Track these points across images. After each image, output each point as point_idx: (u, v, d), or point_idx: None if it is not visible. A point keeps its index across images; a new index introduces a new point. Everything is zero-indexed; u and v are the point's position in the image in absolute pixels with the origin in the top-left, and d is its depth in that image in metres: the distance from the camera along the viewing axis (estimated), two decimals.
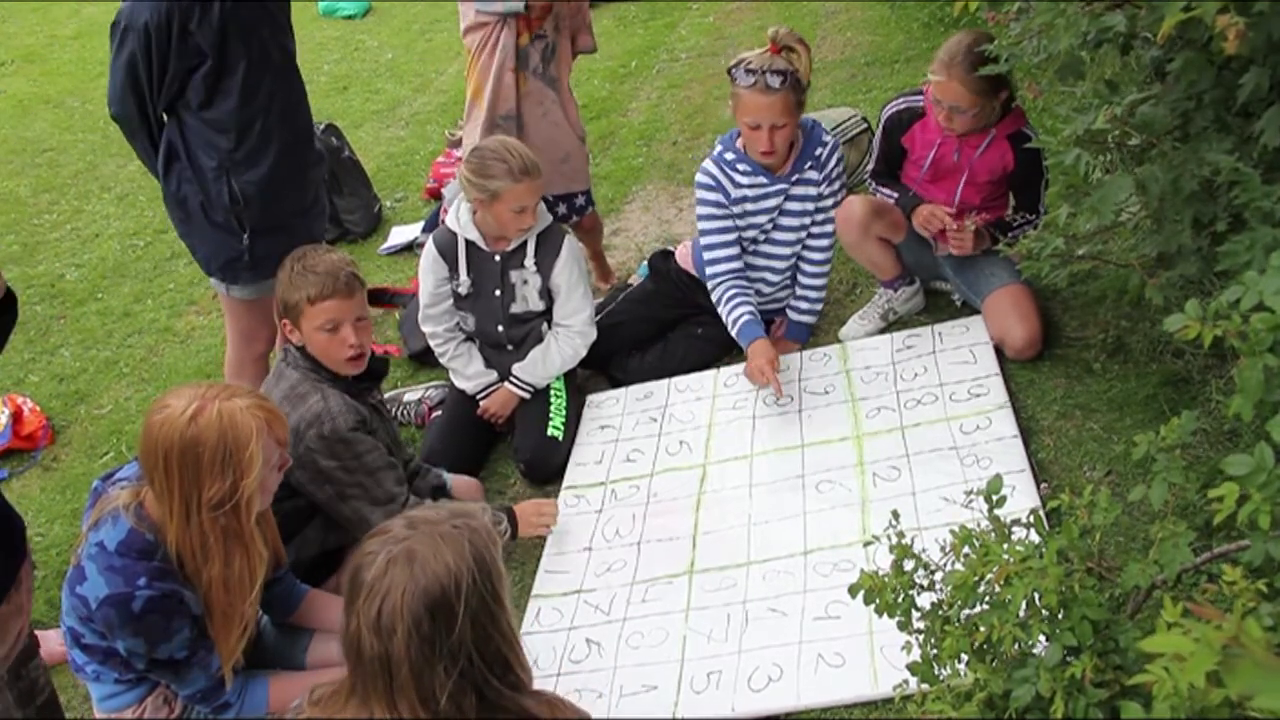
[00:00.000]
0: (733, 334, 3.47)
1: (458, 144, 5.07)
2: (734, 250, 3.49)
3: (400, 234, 4.97)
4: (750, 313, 3.44)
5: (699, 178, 3.47)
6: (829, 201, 3.49)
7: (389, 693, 1.61)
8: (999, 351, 3.31)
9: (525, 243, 3.42)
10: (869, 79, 5.62)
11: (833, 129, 4.49)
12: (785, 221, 3.50)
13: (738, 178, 3.42)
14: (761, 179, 3.41)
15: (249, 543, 2.24)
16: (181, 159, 3.04)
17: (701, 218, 3.49)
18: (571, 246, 3.47)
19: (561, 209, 3.93)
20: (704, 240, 3.50)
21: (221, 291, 3.30)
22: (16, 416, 3.97)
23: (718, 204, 3.44)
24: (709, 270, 3.51)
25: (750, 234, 3.53)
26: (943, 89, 3.14)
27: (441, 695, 1.59)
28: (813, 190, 3.46)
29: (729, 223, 3.46)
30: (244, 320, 3.35)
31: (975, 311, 3.50)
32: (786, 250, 3.57)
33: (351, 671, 1.66)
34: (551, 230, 3.47)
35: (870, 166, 3.60)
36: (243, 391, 2.23)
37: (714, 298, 3.51)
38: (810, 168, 3.43)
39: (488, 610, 1.64)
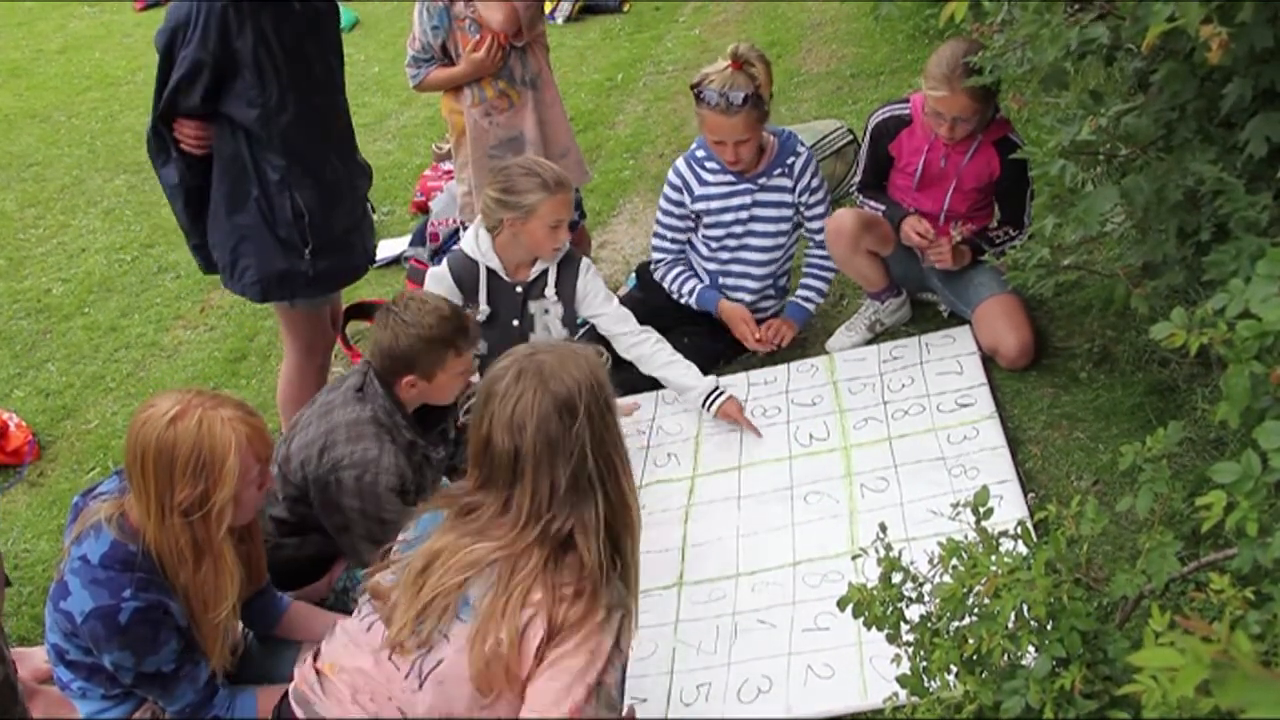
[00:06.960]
0: (691, 304, 3.68)
1: (445, 157, 5.06)
2: (680, 240, 3.72)
3: (388, 247, 4.95)
4: (701, 281, 3.70)
5: (669, 174, 3.64)
6: (820, 210, 3.57)
7: (510, 485, 1.85)
8: (986, 361, 3.32)
9: (546, 272, 3.35)
10: (855, 91, 5.64)
11: (818, 141, 4.50)
12: (759, 227, 3.58)
13: (705, 175, 3.56)
14: (728, 177, 3.53)
15: (217, 556, 2.22)
16: (249, 173, 2.95)
17: (661, 210, 3.69)
18: (586, 263, 3.43)
19: None
20: (655, 229, 3.74)
21: (284, 307, 3.22)
22: (2, 432, 3.94)
23: (678, 203, 3.62)
24: (654, 254, 3.76)
25: (717, 233, 3.62)
26: (947, 103, 3.10)
27: (560, 488, 1.82)
28: (787, 197, 3.54)
29: (682, 223, 3.67)
30: (306, 332, 3.28)
31: (962, 322, 3.51)
32: (764, 256, 3.62)
33: (478, 470, 1.91)
34: (570, 257, 3.40)
35: (857, 179, 3.61)
36: (231, 402, 2.21)
37: (659, 275, 3.74)
38: (780, 174, 3.51)
39: (603, 418, 1.89)
